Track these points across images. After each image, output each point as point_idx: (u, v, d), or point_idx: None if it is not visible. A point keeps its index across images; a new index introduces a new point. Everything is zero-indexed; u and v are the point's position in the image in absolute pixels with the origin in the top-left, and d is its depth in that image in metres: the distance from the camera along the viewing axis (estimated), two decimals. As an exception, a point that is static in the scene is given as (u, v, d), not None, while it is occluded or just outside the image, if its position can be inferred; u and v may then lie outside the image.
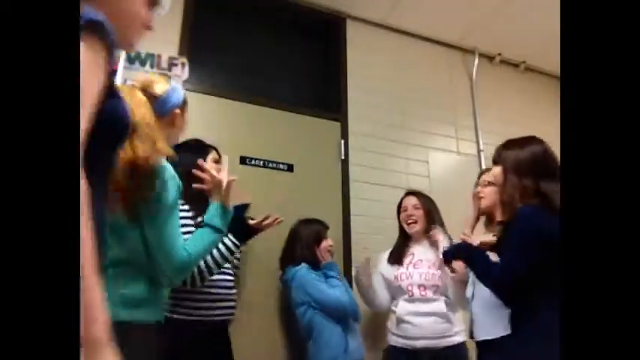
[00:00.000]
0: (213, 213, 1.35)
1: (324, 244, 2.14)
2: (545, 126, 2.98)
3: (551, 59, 3.48)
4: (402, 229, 2.24)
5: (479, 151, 3.15)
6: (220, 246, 1.62)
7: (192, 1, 2.61)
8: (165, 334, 1.61)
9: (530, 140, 1.58)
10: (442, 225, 2.20)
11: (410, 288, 2.10)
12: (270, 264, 2.19)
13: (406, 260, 2.17)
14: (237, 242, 1.67)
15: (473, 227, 1.87)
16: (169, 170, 1.17)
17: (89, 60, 0.67)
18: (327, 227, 2.21)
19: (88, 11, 0.68)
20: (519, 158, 1.52)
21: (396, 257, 2.21)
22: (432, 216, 2.20)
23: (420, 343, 2.00)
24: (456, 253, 1.71)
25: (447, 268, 1.94)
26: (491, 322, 1.62)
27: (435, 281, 2.07)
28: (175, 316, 1.63)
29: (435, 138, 3.07)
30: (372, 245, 2.38)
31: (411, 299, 2.08)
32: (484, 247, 1.65)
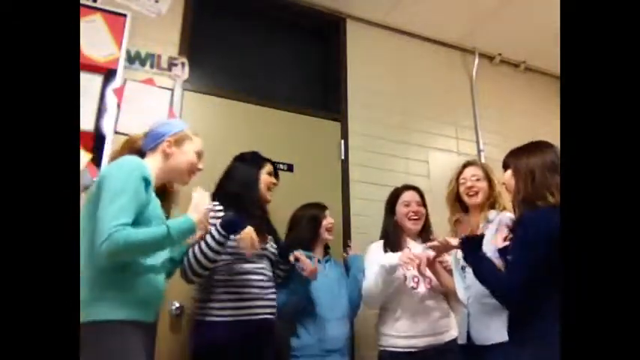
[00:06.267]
0: (180, 223, 1.39)
1: (324, 222, 2.14)
2: (545, 126, 2.98)
3: (551, 59, 3.47)
4: (396, 222, 2.15)
5: (479, 151, 3.15)
6: (207, 237, 1.62)
7: (192, 1, 2.61)
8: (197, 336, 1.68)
9: (539, 144, 1.55)
10: (429, 225, 2.17)
11: (416, 279, 2.00)
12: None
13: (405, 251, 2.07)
14: (223, 233, 1.63)
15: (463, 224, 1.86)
16: (116, 165, 1.38)
17: None
18: (324, 207, 2.19)
19: None
20: (531, 160, 1.49)
21: (395, 246, 2.07)
22: (428, 215, 2.18)
23: (423, 341, 1.93)
24: (468, 253, 1.59)
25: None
26: (495, 326, 1.60)
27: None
28: (208, 318, 1.67)
29: (435, 138, 3.07)
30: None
31: (416, 292, 1.98)
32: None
